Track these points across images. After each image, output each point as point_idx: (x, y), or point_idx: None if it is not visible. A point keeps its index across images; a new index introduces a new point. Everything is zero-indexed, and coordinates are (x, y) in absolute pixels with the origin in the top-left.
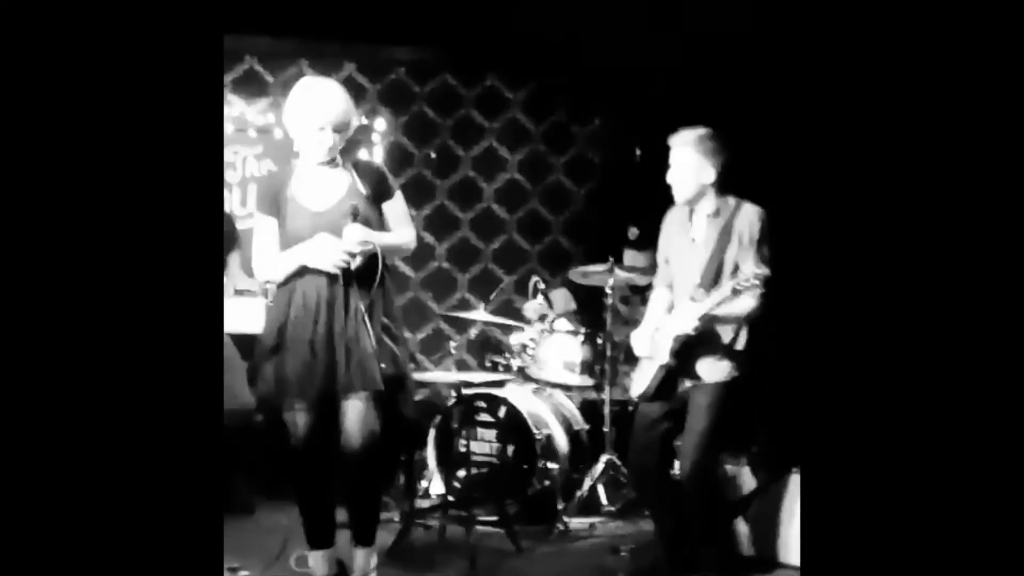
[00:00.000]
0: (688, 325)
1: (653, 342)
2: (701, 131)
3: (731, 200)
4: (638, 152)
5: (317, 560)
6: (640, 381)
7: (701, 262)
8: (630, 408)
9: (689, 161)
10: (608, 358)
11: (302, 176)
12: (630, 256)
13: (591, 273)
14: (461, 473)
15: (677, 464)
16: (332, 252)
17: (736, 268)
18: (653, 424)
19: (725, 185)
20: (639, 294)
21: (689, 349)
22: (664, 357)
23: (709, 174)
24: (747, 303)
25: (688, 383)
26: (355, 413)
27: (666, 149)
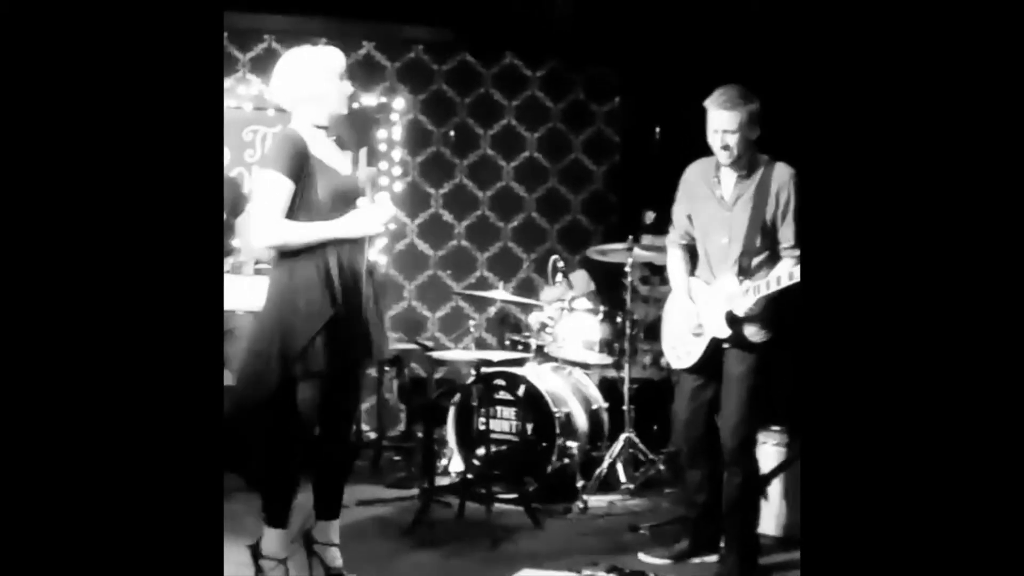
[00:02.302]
0: (748, 302)
1: (700, 317)
2: (741, 88)
3: (763, 158)
4: (657, 130)
5: (280, 541)
6: (684, 353)
7: (738, 224)
8: (674, 380)
9: (738, 118)
10: (627, 336)
11: (312, 140)
12: (648, 240)
13: (610, 251)
14: (480, 451)
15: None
16: (375, 216)
17: (774, 230)
18: (696, 393)
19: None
20: (658, 274)
21: (736, 318)
22: (723, 332)
23: (755, 131)
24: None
25: (724, 347)
26: (358, 384)
27: (685, 127)
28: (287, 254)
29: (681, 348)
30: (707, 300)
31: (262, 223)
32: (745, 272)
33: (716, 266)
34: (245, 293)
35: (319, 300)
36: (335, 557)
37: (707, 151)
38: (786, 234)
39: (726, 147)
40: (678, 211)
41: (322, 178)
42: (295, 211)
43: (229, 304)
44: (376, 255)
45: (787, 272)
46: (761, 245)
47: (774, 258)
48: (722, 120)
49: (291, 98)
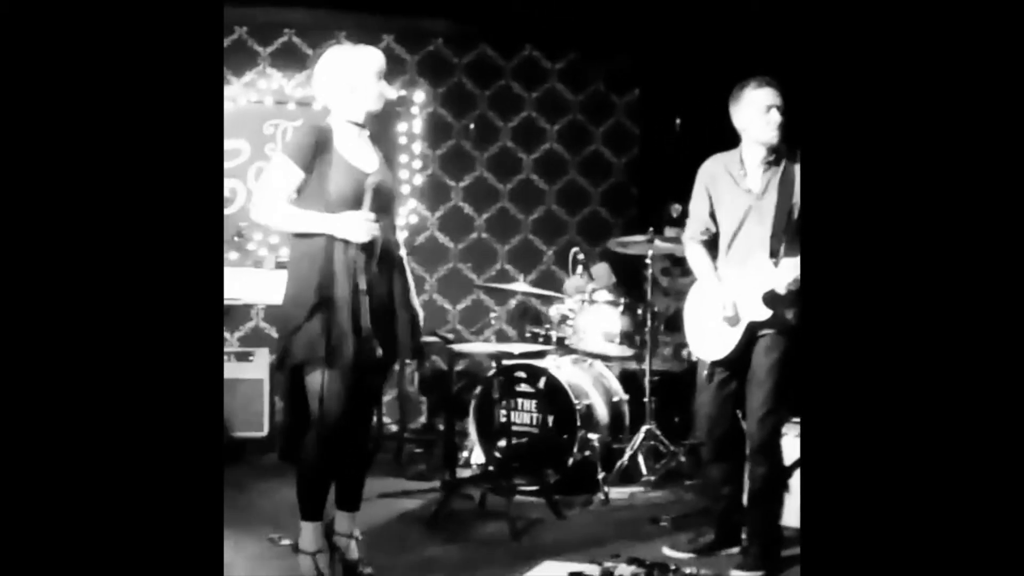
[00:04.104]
0: (787, 278)
1: (733, 301)
2: (769, 78)
3: (783, 147)
4: (678, 122)
5: (313, 535)
6: (717, 343)
7: (768, 211)
8: (705, 372)
9: (775, 104)
10: (648, 328)
11: (342, 137)
12: (672, 233)
13: (631, 243)
14: (501, 443)
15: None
16: (363, 225)
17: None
18: (722, 385)
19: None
20: (679, 265)
21: (776, 297)
22: (762, 313)
23: (781, 119)
24: None
25: (759, 334)
26: (381, 378)
27: (705, 119)
28: (296, 239)
29: (713, 338)
30: (741, 285)
31: (258, 201)
32: (776, 256)
33: (745, 255)
34: (265, 287)
35: (307, 288)
36: (352, 549)
37: (727, 142)
38: None
39: (780, 124)
40: (697, 207)
41: (338, 173)
42: (306, 199)
43: (249, 298)
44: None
45: None
46: (790, 230)
47: None
48: (774, 96)
49: (329, 93)
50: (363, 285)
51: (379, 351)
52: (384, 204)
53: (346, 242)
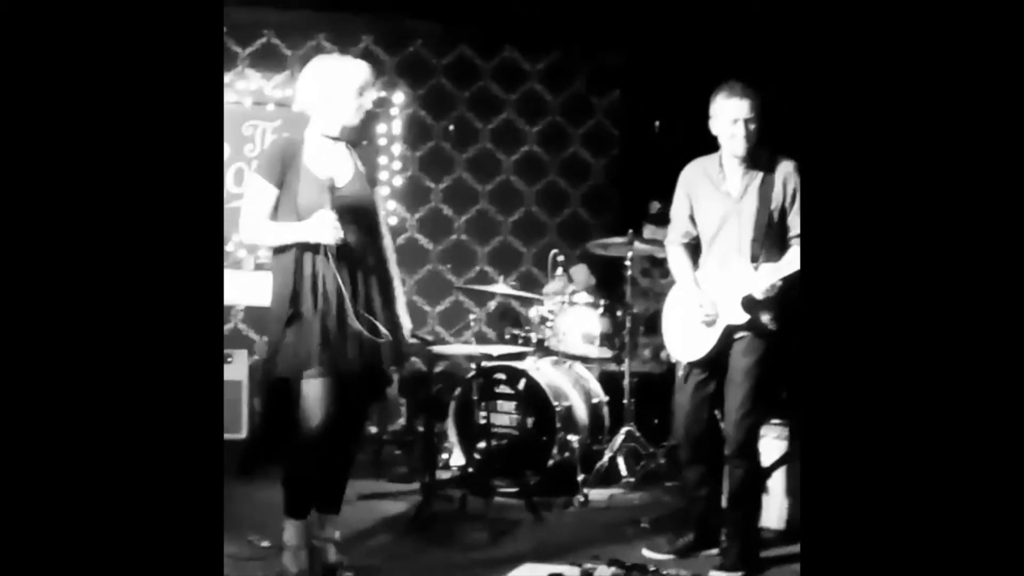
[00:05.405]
0: (766, 283)
1: (712, 306)
2: (744, 84)
3: (763, 152)
4: (657, 123)
5: (296, 531)
6: (694, 344)
7: (747, 215)
8: (682, 374)
9: (754, 106)
10: (627, 330)
11: (313, 149)
12: (650, 231)
13: (610, 245)
14: (481, 445)
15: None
16: (330, 226)
17: (783, 219)
18: (700, 387)
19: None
20: (659, 266)
21: (754, 302)
22: (739, 317)
23: (758, 124)
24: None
25: (735, 336)
26: (367, 385)
27: (685, 121)
28: (274, 253)
29: (690, 339)
30: (720, 288)
31: (242, 222)
32: (756, 260)
33: (725, 259)
34: (245, 288)
35: (283, 301)
36: (331, 552)
37: (707, 143)
38: (794, 222)
39: (746, 136)
40: (678, 211)
41: (305, 186)
42: (280, 213)
43: (228, 299)
44: None
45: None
46: (770, 235)
47: (783, 247)
48: (742, 108)
49: (308, 103)
50: (331, 294)
51: (359, 358)
52: (356, 216)
53: (315, 253)
